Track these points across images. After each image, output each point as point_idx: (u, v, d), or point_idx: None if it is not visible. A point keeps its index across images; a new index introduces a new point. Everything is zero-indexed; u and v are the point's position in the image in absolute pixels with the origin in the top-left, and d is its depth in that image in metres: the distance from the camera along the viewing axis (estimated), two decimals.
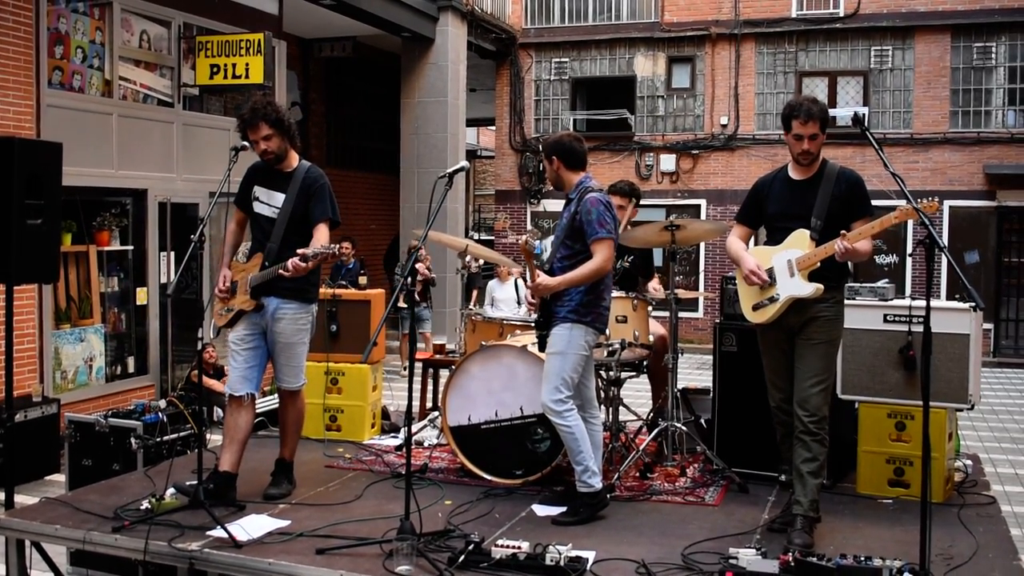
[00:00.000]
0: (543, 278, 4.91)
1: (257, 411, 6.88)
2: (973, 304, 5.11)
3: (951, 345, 5.19)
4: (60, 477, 7.96)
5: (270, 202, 5.17)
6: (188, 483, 4.91)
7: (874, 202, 4.68)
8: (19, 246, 5.39)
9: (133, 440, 6.71)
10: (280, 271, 4.93)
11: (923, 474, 3.92)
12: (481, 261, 12.41)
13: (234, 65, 11.02)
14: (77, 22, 9.87)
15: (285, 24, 13.04)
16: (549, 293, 4.94)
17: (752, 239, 5.04)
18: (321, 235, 5.08)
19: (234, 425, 5.11)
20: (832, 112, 4.72)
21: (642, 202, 6.57)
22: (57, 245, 5.98)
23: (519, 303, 11.50)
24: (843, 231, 4.46)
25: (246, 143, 5.15)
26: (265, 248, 5.12)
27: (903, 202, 4.20)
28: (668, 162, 19.10)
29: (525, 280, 8.41)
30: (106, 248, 10.39)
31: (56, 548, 4.99)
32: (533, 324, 5.27)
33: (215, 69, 11.10)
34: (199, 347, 5.40)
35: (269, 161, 5.17)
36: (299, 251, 4.86)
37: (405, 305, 4.90)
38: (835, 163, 4.75)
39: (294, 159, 5.22)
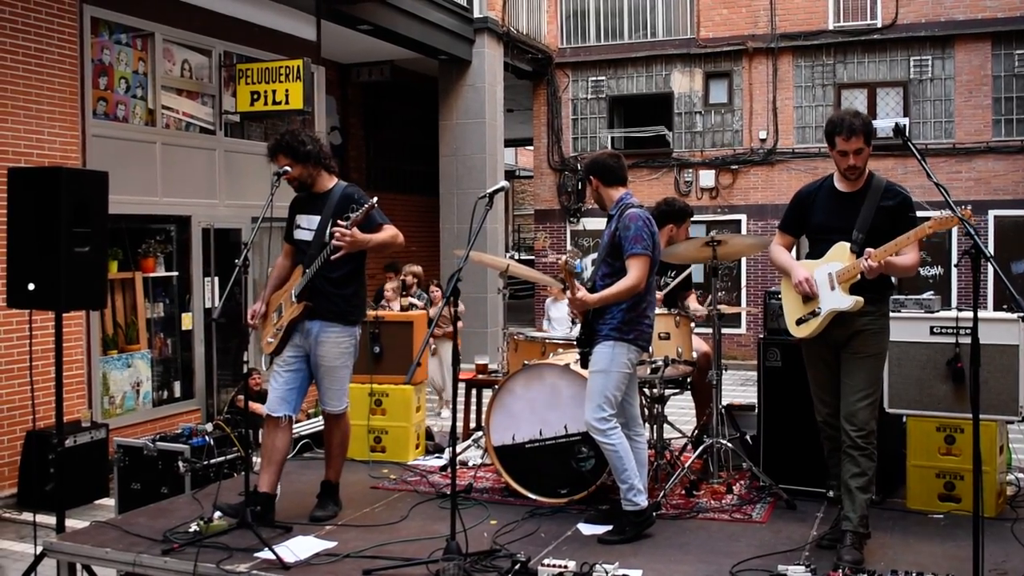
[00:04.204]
0: (582, 292, 4.92)
1: (302, 433, 6.95)
2: (1022, 315, 5.05)
3: (1000, 356, 5.11)
4: (110, 501, 8.05)
5: (309, 226, 5.22)
6: (229, 504, 4.97)
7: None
8: (67, 274, 5.47)
9: (181, 463, 6.77)
10: (327, 255, 4.98)
11: (974, 488, 3.85)
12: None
13: (274, 91, 11.16)
14: (120, 53, 10.05)
15: (323, 50, 13.18)
16: (588, 309, 4.95)
17: (794, 249, 5.01)
18: (381, 232, 5.14)
19: (271, 446, 5.14)
20: (872, 123, 4.66)
21: None
22: (104, 272, 6.06)
23: (573, 322, 11.43)
24: (869, 249, 4.41)
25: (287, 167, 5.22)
26: (305, 256, 5.17)
27: (937, 212, 4.16)
28: (707, 178, 19.02)
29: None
30: (151, 274, 10.54)
31: (107, 571, 5.05)
32: (575, 342, 5.27)
33: (255, 96, 11.25)
34: (244, 371, 5.46)
35: (299, 188, 5.26)
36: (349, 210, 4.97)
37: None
38: (882, 177, 4.70)
39: (328, 181, 5.27)
